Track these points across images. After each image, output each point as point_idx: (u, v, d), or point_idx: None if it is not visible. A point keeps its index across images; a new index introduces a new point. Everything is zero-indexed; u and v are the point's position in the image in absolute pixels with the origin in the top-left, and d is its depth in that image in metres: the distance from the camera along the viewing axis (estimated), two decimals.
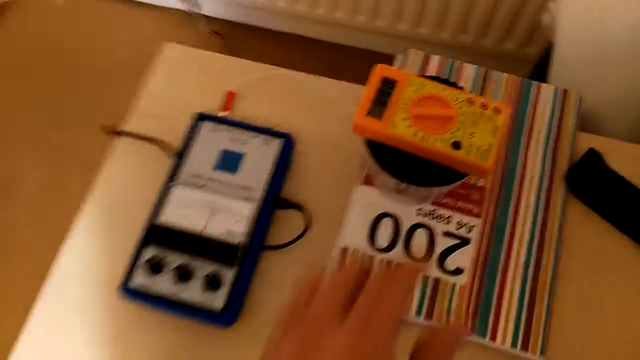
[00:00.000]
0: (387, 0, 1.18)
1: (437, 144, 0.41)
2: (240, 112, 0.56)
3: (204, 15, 1.51)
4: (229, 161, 0.50)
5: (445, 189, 0.45)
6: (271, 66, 0.59)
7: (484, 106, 0.43)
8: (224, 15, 1.50)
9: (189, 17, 1.53)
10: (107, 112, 1.13)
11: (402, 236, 0.49)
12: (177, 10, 1.54)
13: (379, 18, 1.25)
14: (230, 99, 0.54)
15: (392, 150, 0.43)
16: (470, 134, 0.42)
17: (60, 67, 1.50)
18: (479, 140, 0.42)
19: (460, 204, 0.51)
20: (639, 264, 0.49)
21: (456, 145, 0.41)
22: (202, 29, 1.50)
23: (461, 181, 0.44)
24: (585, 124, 0.67)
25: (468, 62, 0.58)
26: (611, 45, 0.61)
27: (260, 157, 0.50)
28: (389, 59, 0.59)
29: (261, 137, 0.51)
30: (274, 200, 0.49)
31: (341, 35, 1.39)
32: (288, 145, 0.51)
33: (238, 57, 0.58)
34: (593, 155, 0.53)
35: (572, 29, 0.61)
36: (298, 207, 0.50)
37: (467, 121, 0.42)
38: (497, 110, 0.43)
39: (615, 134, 0.67)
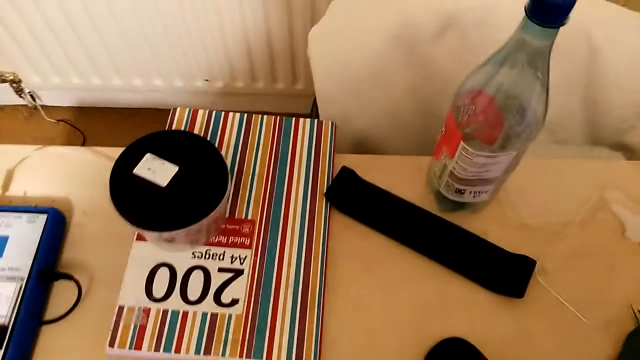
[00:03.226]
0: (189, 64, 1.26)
1: None
2: (13, 193, 0.57)
3: (47, 105, 1.50)
4: None
5: (200, 226, 0.49)
6: (37, 146, 0.61)
7: None
8: (67, 102, 1.51)
9: (32, 111, 1.52)
10: None
11: (178, 282, 0.52)
12: (20, 106, 1.52)
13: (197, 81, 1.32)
14: None
15: (141, 207, 0.47)
16: None
17: None
18: None
19: (232, 239, 0.55)
20: (399, 259, 0.55)
21: None
22: (48, 119, 1.49)
23: (209, 217, 0.48)
24: (364, 142, 0.75)
25: (256, 107, 0.64)
26: (361, 76, 0.69)
27: (24, 236, 0.51)
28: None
29: (24, 217, 0.52)
30: (43, 274, 0.50)
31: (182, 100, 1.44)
32: (54, 219, 0.53)
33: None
34: (346, 172, 0.59)
35: (325, 68, 0.69)
36: (67, 277, 0.51)
37: None
38: None
39: (391, 145, 0.75)
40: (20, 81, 1.40)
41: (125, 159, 0.51)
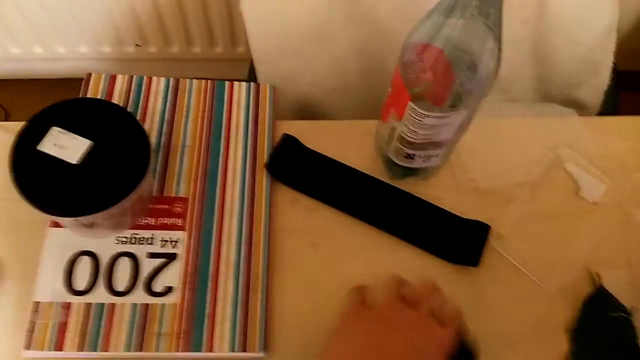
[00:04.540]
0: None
1: None
2: None
3: None
4: None
5: (122, 206, 0.43)
6: None
7: None
8: None
9: None
10: None
11: (103, 271, 0.46)
12: None
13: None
14: None
15: (47, 190, 0.41)
16: None
17: None
18: None
19: (162, 220, 0.49)
20: (347, 232, 0.52)
21: None
22: None
23: (131, 196, 0.42)
24: (307, 106, 0.70)
25: (193, 75, 0.57)
26: (299, 34, 0.63)
27: None
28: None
29: None
30: None
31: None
32: None
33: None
34: (288, 140, 0.54)
35: (259, 27, 0.63)
36: None
37: None
38: None
39: (336, 108, 0.71)
40: None
41: (29, 135, 0.44)
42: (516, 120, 0.60)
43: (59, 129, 0.43)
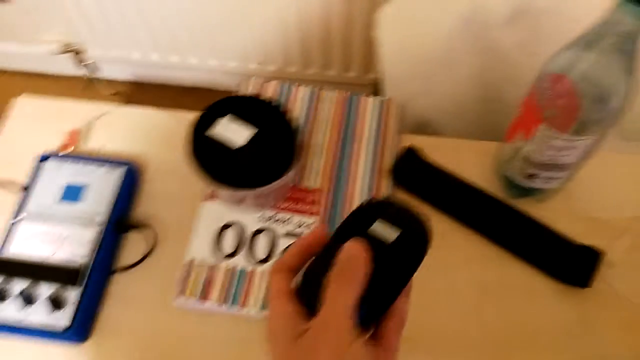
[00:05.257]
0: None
1: None
2: (91, 147, 0.60)
3: (103, 78, 1.55)
4: (72, 193, 0.53)
5: (271, 188, 0.50)
6: (115, 105, 0.63)
7: None
8: (124, 77, 1.55)
9: (90, 83, 1.57)
10: None
11: (246, 242, 0.54)
12: (77, 77, 1.57)
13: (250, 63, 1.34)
14: (73, 137, 0.58)
15: (217, 165, 0.49)
16: None
17: None
18: None
19: (298, 206, 0.56)
20: (461, 241, 0.55)
21: None
22: (103, 92, 1.54)
23: (281, 180, 0.49)
24: (425, 126, 0.75)
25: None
26: (428, 58, 0.69)
27: (102, 186, 0.53)
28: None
29: (103, 168, 0.55)
30: (118, 224, 0.52)
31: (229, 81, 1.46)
32: (130, 172, 0.55)
33: None
34: (412, 151, 0.60)
35: (392, 50, 0.70)
36: (142, 227, 0.53)
37: None
38: None
39: (452, 130, 0.75)
40: (81, 52, 1.45)
41: (204, 120, 0.52)
42: (634, 157, 0.61)
43: (228, 117, 0.52)
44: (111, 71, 1.53)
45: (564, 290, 0.53)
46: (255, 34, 1.25)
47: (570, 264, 0.52)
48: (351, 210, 0.33)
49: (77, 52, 1.45)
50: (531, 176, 0.52)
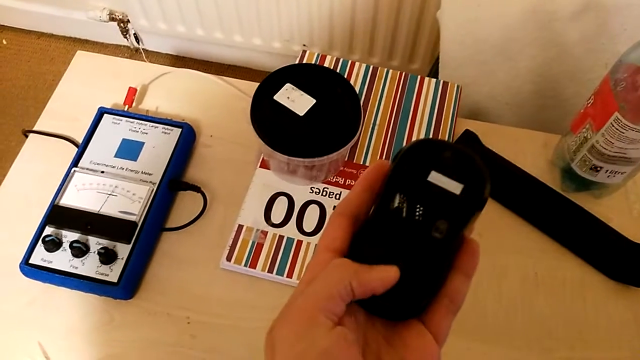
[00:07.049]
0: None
1: None
2: (147, 107, 0.60)
3: (147, 49, 1.56)
4: (129, 149, 0.53)
5: (326, 159, 0.50)
6: (172, 67, 0.64)
7: None
8: (166, 50, 1.56)
9: (132, 53, 1.58)
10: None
11: (295, 213, 0.53)
12: (122, 46, 1.59)
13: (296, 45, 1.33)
14: (131, 94, 0.58)
15: (277, 132, 0.49)
16: None
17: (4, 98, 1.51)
18: None
19: (349, 181, 0.55)
20: (513, 229, 0.54)
21: None
22: (147, 63, 1.55)
23: (337, 153, 0.49)
24: (477, 114, 0.74)
25: None
26: (488, 45, 0.68)
27: (159, 145, 0.54)
28: None
29: (160, 128, 0.55)
30: (172, 183, 0.52)
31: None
32: (187, 134, 0.55)
33: None
34: (469, 135, 0.58)
35: (453, 32, 0.68)
36: (195, 188, 0.53)
37: None
38: None
39: (504, 121, 0.74)
40: (128, 22, 1.46)
41: (265, 87, 0.52)
42: None
43: (291, 85, 0.51)
44: (155, 43, 1.55)
45: (618, 288, 0.51)
46: (302, 16, 1.24)
47: (626, 262, 0.51)
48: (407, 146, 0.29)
49: (123, 22, 1.47)
50: (595, 169, 0.50)
